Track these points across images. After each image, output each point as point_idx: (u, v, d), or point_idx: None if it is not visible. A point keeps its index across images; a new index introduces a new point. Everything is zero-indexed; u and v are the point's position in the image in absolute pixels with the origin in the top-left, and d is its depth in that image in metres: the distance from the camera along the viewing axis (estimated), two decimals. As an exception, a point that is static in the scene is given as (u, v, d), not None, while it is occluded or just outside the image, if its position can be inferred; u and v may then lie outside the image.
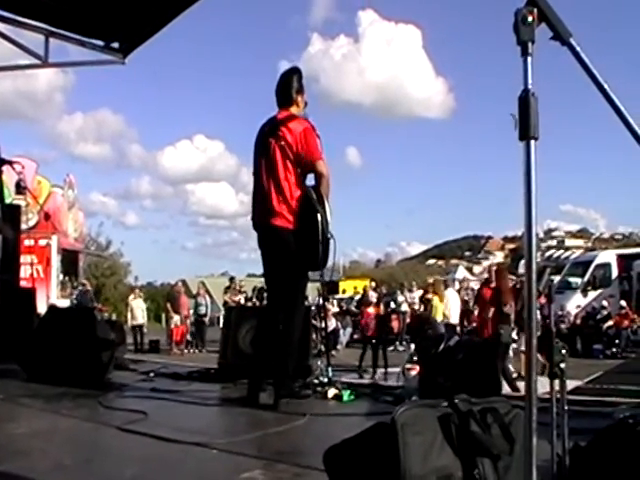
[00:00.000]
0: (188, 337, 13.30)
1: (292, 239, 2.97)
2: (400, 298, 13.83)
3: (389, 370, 8.42)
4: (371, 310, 9.41)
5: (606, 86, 1.22)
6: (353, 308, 15.88)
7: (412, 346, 2.98)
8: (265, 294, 4.90)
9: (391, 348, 12.57)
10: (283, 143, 3.01)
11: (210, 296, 14.74)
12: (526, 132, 1.16)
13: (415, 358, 3.31)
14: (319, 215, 2.87)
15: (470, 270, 49.51)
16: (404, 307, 13.70)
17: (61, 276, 14.13)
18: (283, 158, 3.02)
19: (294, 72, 3.16)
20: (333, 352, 12.66)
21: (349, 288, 23.10)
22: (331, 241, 2.92)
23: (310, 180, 3.08)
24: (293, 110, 3.11)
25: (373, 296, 9.75)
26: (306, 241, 2.90)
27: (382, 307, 9.92)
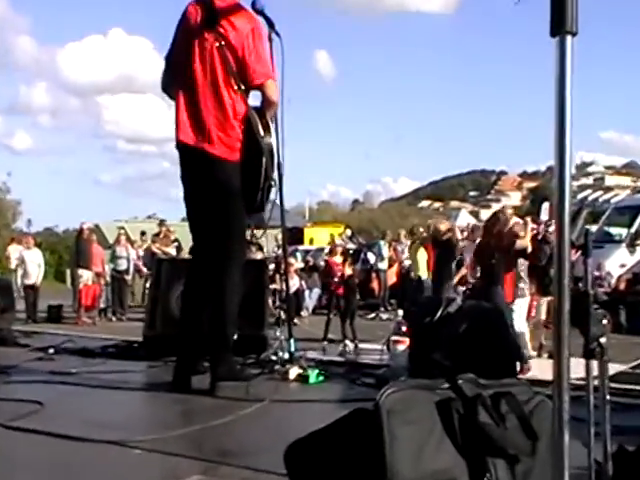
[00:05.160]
0: (102, 301, 13.22)
1: (234, 174, 3.05)
2: (384, 251, 14.00)
3: (365, 346, 8.70)
4: (338, 260, 9.56)
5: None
6: (322, 262, 16.07)
7: (399, 313, 3.03)
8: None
9: (372, 315, 12.96)
10: (224, 44, 3.01)
11: (133, 246, 14.56)
12: (560, 24, 1.11)
13: (403, 328, 3.32)
14: (263, 149, 3.01)
15: (476, 215, 50.58)
16: (384, 263, 13.87)
17: None
18: (225, 66, 3.04)
19: None
20: (296, 320, 12.99)
21: (318, 237, 23.25)
22: (273, 184, 3.15)
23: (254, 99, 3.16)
24: None
25: (340, 244, 9.90)
26: (246, 178, 3.05)
27: (357, 263, 10.04)
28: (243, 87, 3.04)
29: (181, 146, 3.16)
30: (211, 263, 3.15)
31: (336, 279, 9.34)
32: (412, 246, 10.93)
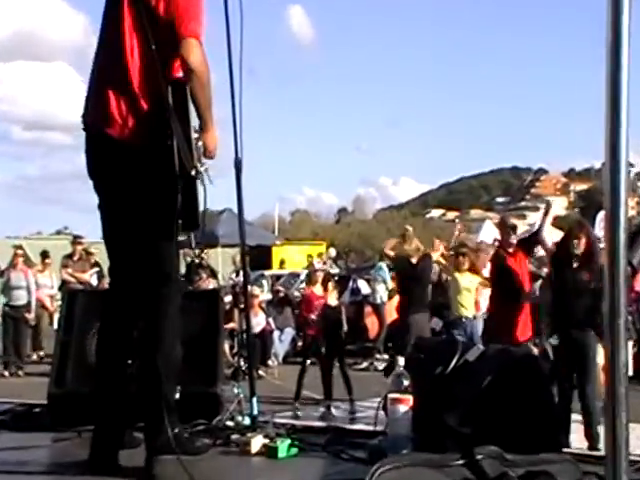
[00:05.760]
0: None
1: (142, 165, 3.04)
2: (387, 276, 13.87)
3: (358, 404, 8.77)
4: (318, 290, 9.63)
5: None
6: (297, 293, 16.08)
7: (400, 361, 3.04)
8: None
9: (364, 364, 12.93)
10: None
11: (34, 271, 14.40)
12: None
13: (405, 382, 3.28)
14: (175, 136, 2.96)
15: None
16: (383, 294, 13.79)
17: None
18: (135, 19, 3.06)
19: None
20: (261, 371, 12.95)
21: (291, 259, 23.32)
22: (199, 184, 3.08)
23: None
24: None
25: (321, 269, 10.03)
26: (162, 176, 3.01)
27: (345, 293, 10.13)
28: (155, 47, 3.03)
29: (83, 127, 3.22)
30: (135, 294, 3.16)
31: (314, 317, 9.34)
32: (448, 267, 10.89)
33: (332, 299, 9.59)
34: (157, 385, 3.10)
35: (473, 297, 10.11)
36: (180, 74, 3.10)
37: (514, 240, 7.94)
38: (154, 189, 3.05)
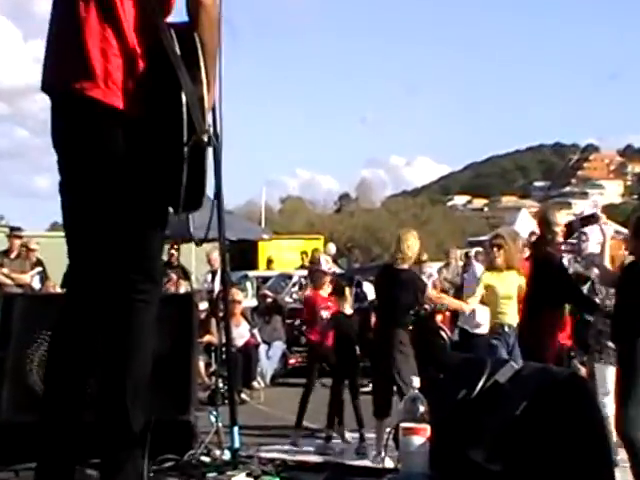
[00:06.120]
0: None
1: (128, 135, 3.05)
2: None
3: (366, 435, 8.80)
4: (324, 293, 9.78)
5: None
6: (288, 298, 16.00)
7: (414, 382, 3.04)
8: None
9: (371, 386, 12.87)
10: None
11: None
12: None
13: (421, 409, 3.23)
14: (183, 93, 2.97)
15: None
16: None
17: None
18: None
19: None
20: (244, 395, 12.77)
21: (281, 257, 23.32)
22: (210, 151, 3.18)
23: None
24: None
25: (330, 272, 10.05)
26: (157, 146, 3.04)
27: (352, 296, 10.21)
28: None
29: (46, 89, 3.20)
30: (103, 300, 3.14)
31: (321, 325, 9.34)
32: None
33: (347, 307, 9.65)
34: (121, 412, 3.09)
35: (515, 301, 9.87)
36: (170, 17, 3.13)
37: (560, 239, 7.89)
38: (146, 162, 3.05)
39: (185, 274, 13.98)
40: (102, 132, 3.06)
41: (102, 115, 3.04)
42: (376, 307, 10.07)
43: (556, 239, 7.93)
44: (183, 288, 10.53)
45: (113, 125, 3.05)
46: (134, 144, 3.04)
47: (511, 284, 9.65)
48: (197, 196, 3.13)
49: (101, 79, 3.03)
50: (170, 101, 3.00)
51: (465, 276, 13.46)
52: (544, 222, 8.26)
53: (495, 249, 9.75)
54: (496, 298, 9.66)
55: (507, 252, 9.69)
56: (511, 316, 9.53)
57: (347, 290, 9.90)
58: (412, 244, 8.94)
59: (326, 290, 10.01)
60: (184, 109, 2.97)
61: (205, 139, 3.09)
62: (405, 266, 8.87)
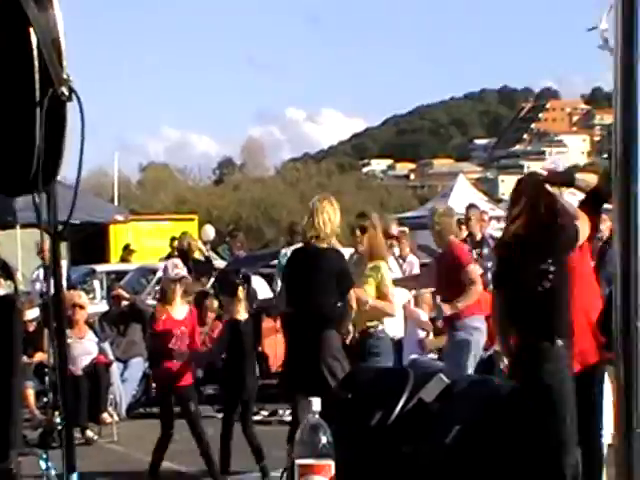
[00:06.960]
0: None
1: None
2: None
3: (272, 474, 7.89)
4: (178, 314, 8.69)
5: None
6: (152, 301, 13.75)
7: (314, 403, 2.61)
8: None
9: (264, 413, 11.75)
10: None
11: None
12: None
13: (323, 439, 2.90)
14: (33, 31, 2.63)
15: (489, 187, 49.85)
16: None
17: None
18: None
19: None
20: (90, 432, 12.25)
21: (143, 245, 22.38)
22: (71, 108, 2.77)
23: None
24: None
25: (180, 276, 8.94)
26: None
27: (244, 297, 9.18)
28: None
29: None
30: None
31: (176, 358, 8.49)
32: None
33: (242, 312, 8.67)
34: None
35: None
36: None
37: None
38: None
39: (5, 270, 12.97)
40: None
41: None
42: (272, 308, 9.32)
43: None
44: (1, 289, 9.70)
45: None
46: None
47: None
48: (52, 170, 2.77)
49: None
50: (15, 43, 2.66)
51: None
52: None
53: (358, 231, 8.57)
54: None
55: (372, 238, 8.57)
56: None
57: (241, 290, 8.84)
58: (331, 216, 7.59)
59: (180, 306, 8.84)
60: (35, 53, 2.65)
61: (65, 92, 2.72)
62: (324, 245, 7.63)
